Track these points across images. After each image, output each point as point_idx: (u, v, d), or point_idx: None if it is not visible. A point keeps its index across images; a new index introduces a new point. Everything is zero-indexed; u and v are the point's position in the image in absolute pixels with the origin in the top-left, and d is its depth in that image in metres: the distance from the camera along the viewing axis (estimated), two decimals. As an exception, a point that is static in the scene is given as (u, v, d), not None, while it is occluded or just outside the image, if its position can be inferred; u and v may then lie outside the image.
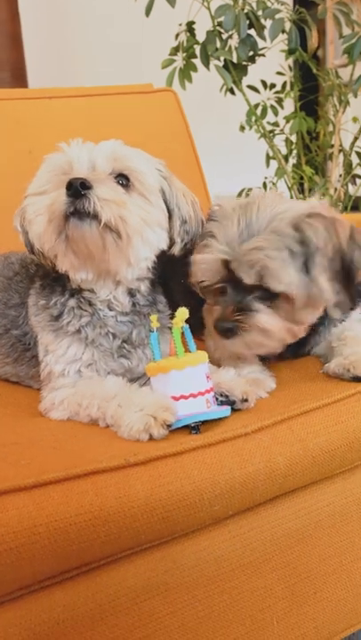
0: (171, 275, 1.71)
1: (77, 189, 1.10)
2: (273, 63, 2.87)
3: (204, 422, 1.08)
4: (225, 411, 1.11)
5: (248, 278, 1.16)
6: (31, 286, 1.31)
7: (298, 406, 1.13)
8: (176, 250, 1.26)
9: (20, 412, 1.28)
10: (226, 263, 1.18)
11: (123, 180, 1.18)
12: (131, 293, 1.26)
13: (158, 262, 1.57)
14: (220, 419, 1.10)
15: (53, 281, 1.26)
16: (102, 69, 4.48)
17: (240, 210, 1.20)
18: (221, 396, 1.14)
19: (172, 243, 1.25)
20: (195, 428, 1.07)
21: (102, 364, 1.24)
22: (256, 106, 2.87)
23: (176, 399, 1.08)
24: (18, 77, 4.21)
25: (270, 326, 1.18)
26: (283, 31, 2.60)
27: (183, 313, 1.12)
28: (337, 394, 1.18)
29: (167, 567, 1.02)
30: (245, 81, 2.75)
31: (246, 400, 1.14)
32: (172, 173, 1.28)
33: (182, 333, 1.12)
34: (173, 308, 1.66)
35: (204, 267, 1.22)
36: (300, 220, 1.18)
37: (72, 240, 1.14)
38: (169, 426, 1.04)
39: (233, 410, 1.13)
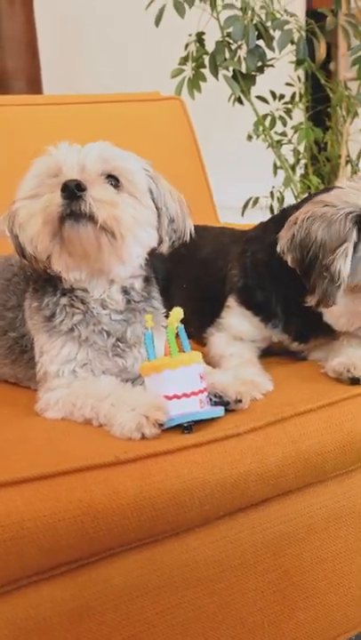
0: (172, 279, 1.72)
1: (73, 191, 1.11)
2: (282, 74, 2.88)
3: (196, 422, 1.08)
4: (218, 411, 1.11)
5: None
6: (27, 289, 1.31)
7: (291, 408, 1.13)
8: (164, 248, 1.28)
9: (18, 411, 1.28)
10: None
11: (112, 180, 1.19)
12: (125, 291, 1.26)
13: (161, 264, 1.58)
14: (213, 419, 1.10)
15: (45, 282, 1.27)
16: (115, 78, 4.52)
17: None
18: (215, 396, 1.14)
19: (160, 241, 1.27)
20: (187, 427, 1.07)
21: (97, 363, 1.24)
22: (265, 116, 2.88)
23: (169, 399, 1.08)
24: (33, 86, 4.25)
25: None
26: (292, 42, 2.61)
27: (178, 313, 1.13)
28: (332, 396, 1.18)
29: (156, 566, 1.02)
30: (255, 91, 2.76)
31: (240, 401, 1.14)
32: (160, 173, 1.29)
33: (177, 334, 1.12)
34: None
35: None
36: None
37: (68, 241, 1.15)
38: (161, 425, 1.04)
39: (226, 410, 1.13)
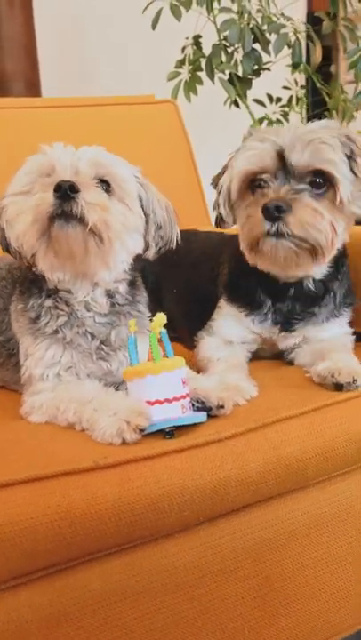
0: (163, 284, 1.73)
1: (66, 192, 1.12)
2: (280, 77, 2.88)
3: (178, 427, 1.08)
4: (200, 416, 1.11)
5: (301, 158, 1.25)
6: (14, 292, 1.32)
7: (274, 414, 1.13)
8: (150, 254, 1.29)
9: (3, 414, 1.28)
10: (279, 151, 1.26)
11: (104, 185, 1.20)
12: (109, 295, 1.27)
13: (151, 268, 1.58)
14: (195, 424, 1.10)
15: (31, 283, 1.27)
16: (113, 80, 4.53)
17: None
18: (198, 401, 1.14)
19: (146, 247, 1.28)
20: (169, 432, 1.08)
21: (82, 366, 1.25)
22: (261, 120, 2.88)
23: (151, 404, 1.08)
24: (31, 88, 4.25)
25: (320, 208, 1.25)
26: (288, 46, 2.62)
27: (161, 318, 1.13)
28: (315, 402, 1.18)
29: (135, 572, 1.02)
30: (252, 94, 2.76)
31: (222, 406, 1.14)
32: (149, 180, 1.30)
33: (160, 339, 1.13)
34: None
35: (256, 153, 1.29)
36: (344, 129, 1.32)
37: (55, 241, 1.15)
38: (142, 430, 1.05)
39: (209, 416, 1.13)
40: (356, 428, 1.18)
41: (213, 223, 1.46)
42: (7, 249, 1.24)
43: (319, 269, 1.38)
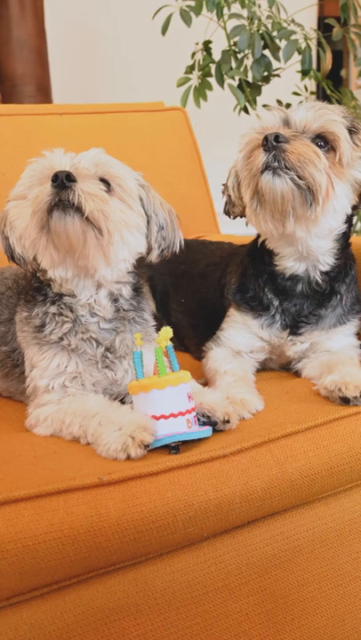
0: (171, 295, 1.73)
1: (63, 181, 1.13)
2: (290, 83, 2.88)
3: (184, 442, 1.08)
4: (206, 431, 1.11)
5: (304, 117, 1.29)
6: (18, 302, 1.32)
7: (279, 429, 1.13)
8: (154, 256, 1.29)
9: (8, 426, 1.28)
10: (285, 118, 1.32)
11: (104, 185, 1.20)
12: (113, 298, 1.27)
13: (159, 278, 1.58)
14: (200, 439, 1.10)
15: (35, 291, 1.28)
16: (123, 84, 4.54)
17: None
18: (203, 416, 1.14)
19: (149, 249, 1.29)
20: (174, 447, 1.07)
21: (87, 375, 1.25)
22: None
23: (156, 418, 1.08)
24: (42, 91, 4.27)
25: (318, 152, 1.26)
26: (298, 52, 2.61)
27: (167, 332, 1.13)
28: (321, 417, 1.17)
29: (139, 588, 1.02)
30: (262, 100, 2.76)
31: (228, 421, 1.14)
32: (150, 184, 1.31)
33: (165, 352, 1.12)
34: (171, 328, 1.68)
35: (263, 121, 1.34)
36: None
37: (54, 232, 1.16)
38: (147, 446, 1.04)
39: (214, 430, 1.13)
40: (362, 443, 1.17)
41: (223, 210, 1.47)
42: (12, 256, 1.25)
43: (324, 246, 1.38)
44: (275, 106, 1.35)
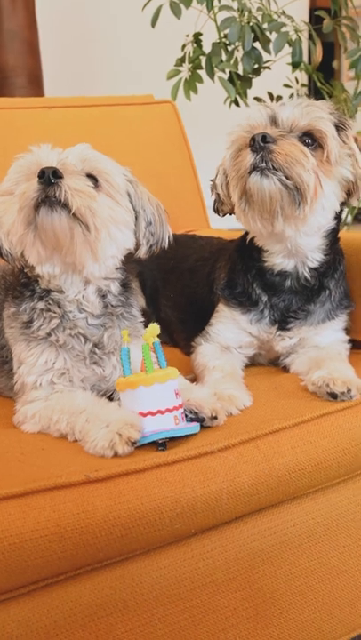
0: (160, 290, 1.73)
1: (49, 177, 1.13)
2: (281, 75, 2.87)
3: (171, 439, 1.08)
4: (193, 428, 1.11)
5: (291, 114, 1.29)
6: (6, 299, 1.32)
7: (267, 425, 1.13)
8: (142, 252, 1.29)
9: (-5, 422, 1.28)
10: (271, 115, 1.31)
11: (91, 180, 1.20)
12: (101, 294, 1.27)
13: (149, 273, 1.58)
14: (188, 435, 1.10)
15: (23, 287, 1.27)
16: (115, 75, 4.52)
17: None
18: (191, 412, 1.14)
19: (137, 244, 1.28)
20: (162, 444, 1.08)
21: (75, 371, 1.25)
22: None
23: (144, 415, 1.08)
24: (34, 83, 4.25)
25: (306, 151, 1.26)
26: (289, 44, 2.60)
27: (154, 329, 1.13)
28: (308, 413, 1.17)
29: (126, 585, 1.02)
30: (253, 93, 2.75)
31: (215, 417, 1.14)
32: (137, 179, 1.31)
33: (153, 349, 1.12)
34: (161, 323, 1.68)
35: (249, 118, 1.33)
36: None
37: (41, 229, 1.15)
38: (134, 443, 1.05)
39: (202, 427, 1.13)
40: (349, 439, 1.18)
41: (212, 208, 1.47)
42: (0, 252, 1.24)
43: (313, 244, 1.38)
44: (264, 103, 1.34)
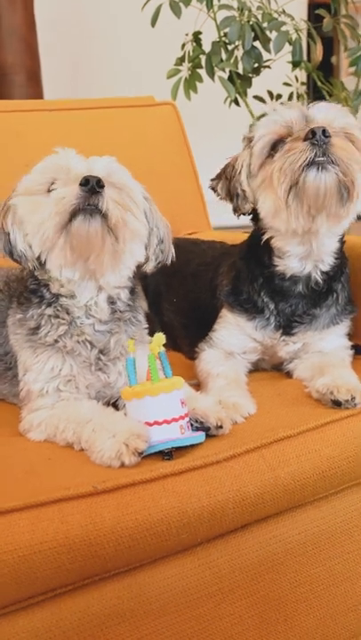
0: (163, 294, 1.73)
1: (94, 186, 1.14)
2: (281, 74, 2.87)
3: (177, 448, 1.09)
4: (199, 437, 1.12)
5: (326, 117, 1.30)
6: (10, 305, 1.32)
7: (271, 434, 1.14)
8: (150, 267, 1.31)
9: (1, 429, 1.29)
10: (305, 114, 1.31)
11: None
12: (111, 301, 1.28)
13: (151, 278, 1.59)
14: (193, 445, 1.11)
15: (30, 293, 1.27)
16: (113, 72, 4.51)
17: None
18: (196, 421, 1.15)
19: (147, 259, 1.30)
20: (168, 453, 1.08)
21: (81, 377, 1.25)
22: (262, 116, 2.85)
23: (150, 425, 1.09)
24: (33, 80, 4.24)
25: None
26: (289, 42, 2.59)
27: (160, 339, 1.13)
28: (313, 421, 1.18)
29: (134, 594, 1.03)
30: (253, 91, 2.75)
31: (221, 427, 1.15)
32: (143, 183, 1.32)
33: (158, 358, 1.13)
34: (163, 327, 1.69)
35: (282, 116, 1.33)
36: None
37: (75, 235, 1.16)
38: (141, 453, 1.05)
39: (208, 436, 1.14)
40: (353, 446, 1.18)
41: (232, 209, 1.44)
42: (10, 253, 1.24)
43: (332, 246, 1.40)
44: (286, 102, 1.35)
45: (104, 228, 1.16)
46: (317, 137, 1.24)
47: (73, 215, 1.15)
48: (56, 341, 1.24)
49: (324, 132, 1.24)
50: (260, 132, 1.36)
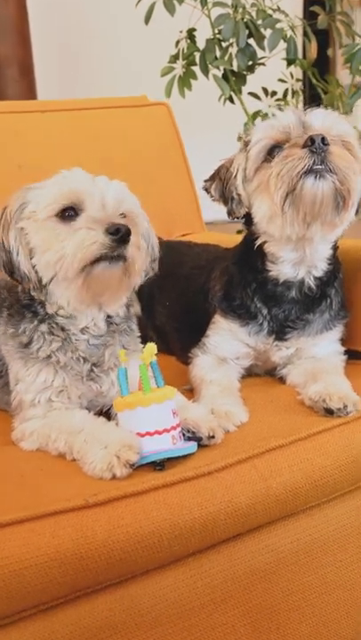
0: (155, 297, 1.73)
1: (124, 237, 1.14)
2: (276, 70, 2.85)
3: (169, 459, 1.09)
4: (191, 447, 1.12)
5: (323, 124, 1.30)
6: (0, 314, 1.31)
7: (263, 444, 1.14)
8: (139, 282, 1.30)
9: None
10: (302, 119, 1.31)
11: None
12: (109, 318, 1.28)
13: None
14: (185, 455, 1.11)
15: (23, 307, 1.26)
16: (107, 66, 4.49)
17: None
18: (188, 432, 1.14)
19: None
20: (160, 464, 1.08)
21: (73, 388, 1.25)
22: (256, 113, 2.85)
23: (142, 436, 1.09)
24: (25, 73, 4.23)
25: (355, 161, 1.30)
26: (284, 39, 2.58)
27: (151, 348, 1.13)
28: (304, 431, 1.18)
29: (126, 606, 1.03)
30: (248, 88, 2.73)
31: (213, 436, 1.15)
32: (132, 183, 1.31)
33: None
34: (156, 330, 1.68)
35: (279, 121, 1.33)
36: None
37: (95, 278, 1.17)
38: (132, 465, 1.05)
39: (199, 446, 1.14)
40: (346, 455, 1.19)
41: (227, 213, 1.44)
42: (10, 272, 1.22)
43: (325, 252, 1.40)
44: (287, 107, 1.35)
45: (123, 271, 1.18)
46: (316, 144, 1.23)
47: (97, 260, 1.15)
48: (49, 357, 1.24)
49: (323, 139, 1.23)
50: (256, 135, 1.35)
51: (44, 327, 1.24)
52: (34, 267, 1.20)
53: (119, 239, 1.13)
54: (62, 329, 1.24)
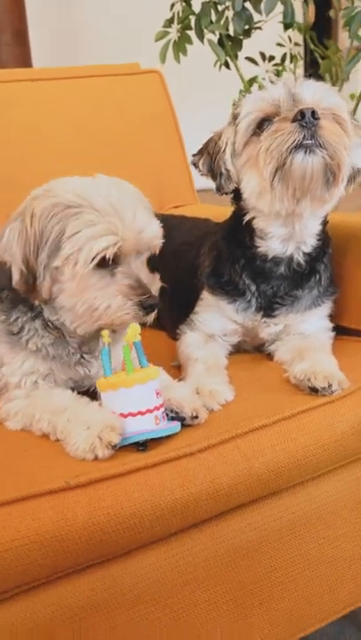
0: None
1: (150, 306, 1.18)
2: (274, 34, 2.79)
3: (152, 439, 1.09)
4: (174, 427, 1.12)
5: (314, 96, 1.28)
6: None
7: (247, 423, 1.14)
8: None
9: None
10: (292, 91, 1.28)
11: None
12: None
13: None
14: (168, 435, 1.11)
15: (18, 295, 1.22)
16: (101, 30, 4.40)
17: None
18: (172, 412, 1.15)
19: None
20: (142, 444, 1.09)
21: (60, 374, 1.25)
22: (251, 81, 2.80)
23: (124, 416, 1.09)
24: (19, 39, 4.16)
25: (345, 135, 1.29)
26: (281, 3, 2.52)
27: (135, 329, 1.12)
28: (288, 410, 1.18)
29: (107, 585, 1.04)
30: (244, 52, 2.68)
31: (196, 417, 1.15)
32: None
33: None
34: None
35: (269, 93, 1.31)
36: None
37: (106, 321, 1.18)
38: (114, 446, 1.05)
39: (183, 426, 1.14)
40: (329, 434, 1.18)
41: (215, 189, 1.42)
42: (9, 283, 1.18)
43: (314, 228, 1.39)
44: (278, 79, 1.32)
45: None
46: (306, 118, 1.21)
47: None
48: (39, 350, 1.24)
49: (313, 113, 1.21)
50: (245, 108, 1.33)
51: (37, 323, 1.23)
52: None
53: (148, 307, 1.18)
54: (57, 328, 1.23)
